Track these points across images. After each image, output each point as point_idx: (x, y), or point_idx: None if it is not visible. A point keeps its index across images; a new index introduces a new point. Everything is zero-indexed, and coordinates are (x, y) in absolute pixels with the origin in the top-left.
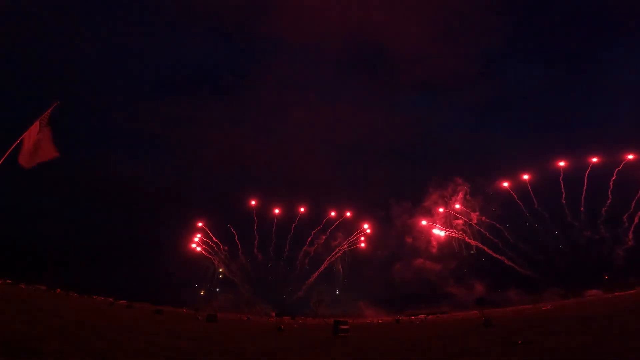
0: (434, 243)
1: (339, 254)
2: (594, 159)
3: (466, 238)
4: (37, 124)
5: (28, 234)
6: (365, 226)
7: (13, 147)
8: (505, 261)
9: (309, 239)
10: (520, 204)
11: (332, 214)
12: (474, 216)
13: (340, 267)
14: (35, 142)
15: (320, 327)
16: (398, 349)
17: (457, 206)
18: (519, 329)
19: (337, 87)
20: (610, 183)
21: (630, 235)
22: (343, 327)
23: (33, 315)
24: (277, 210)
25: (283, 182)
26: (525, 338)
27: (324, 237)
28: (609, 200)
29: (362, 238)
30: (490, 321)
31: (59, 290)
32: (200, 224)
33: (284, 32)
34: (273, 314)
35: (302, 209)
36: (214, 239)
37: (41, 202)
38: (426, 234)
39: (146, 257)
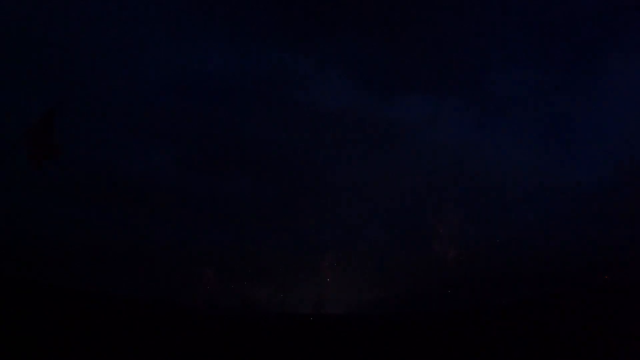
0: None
1: (325, 260)
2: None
3: (450, 248)
4: (36, 124)
5: (28, 233)
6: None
7: (12, 147)
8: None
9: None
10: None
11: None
12: (456, 222)
13: (330, 269)
14: (37, 143)
15: (320, 327)
16: (398, 349)
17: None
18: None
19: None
20: None
21: None
22: (343, 326)
23: (33, 316)
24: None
25: (279, 185)
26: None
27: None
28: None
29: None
30: (491, 319)
31: (58, 290)
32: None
33: (285, 37)
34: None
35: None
36: None
37: (41, 202)
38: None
39: (146, 257)
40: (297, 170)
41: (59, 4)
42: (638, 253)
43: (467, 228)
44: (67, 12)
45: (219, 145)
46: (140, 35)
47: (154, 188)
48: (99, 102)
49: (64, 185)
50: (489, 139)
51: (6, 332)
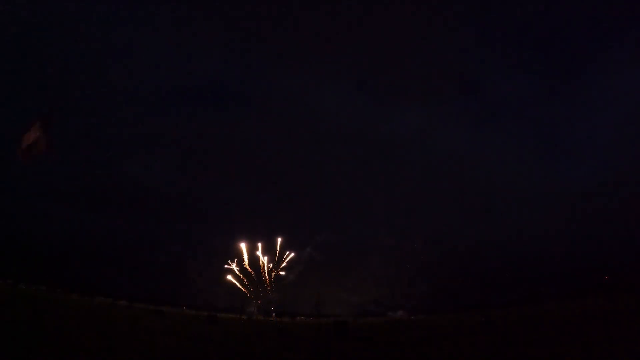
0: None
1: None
2: None
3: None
4: (35, 124)
5: (28, 234)
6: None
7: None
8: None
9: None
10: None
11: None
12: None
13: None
14: (32, 140)
15: (321, 327)
16: (398, 348)
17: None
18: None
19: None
20: None
21: None
22: (342, 327)
23: (33, 316)
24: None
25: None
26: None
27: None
28: None
29: None
30: (489, 320)
31: (59, 290)
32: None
33: (284, 46)
34: (273, 314)
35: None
36: None
37: (41, 202)
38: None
39: (146, 256)
40: (295, 177)
41: (62, 9)
42: (635, 253)
43: (464, 231)
44: (70, 17)
45: (219, 151)
46: (143, 42)
47: (154, 191)
48: (100, 106)
49: (66, 188)
50: (483, 145)
51: (6, 333)
